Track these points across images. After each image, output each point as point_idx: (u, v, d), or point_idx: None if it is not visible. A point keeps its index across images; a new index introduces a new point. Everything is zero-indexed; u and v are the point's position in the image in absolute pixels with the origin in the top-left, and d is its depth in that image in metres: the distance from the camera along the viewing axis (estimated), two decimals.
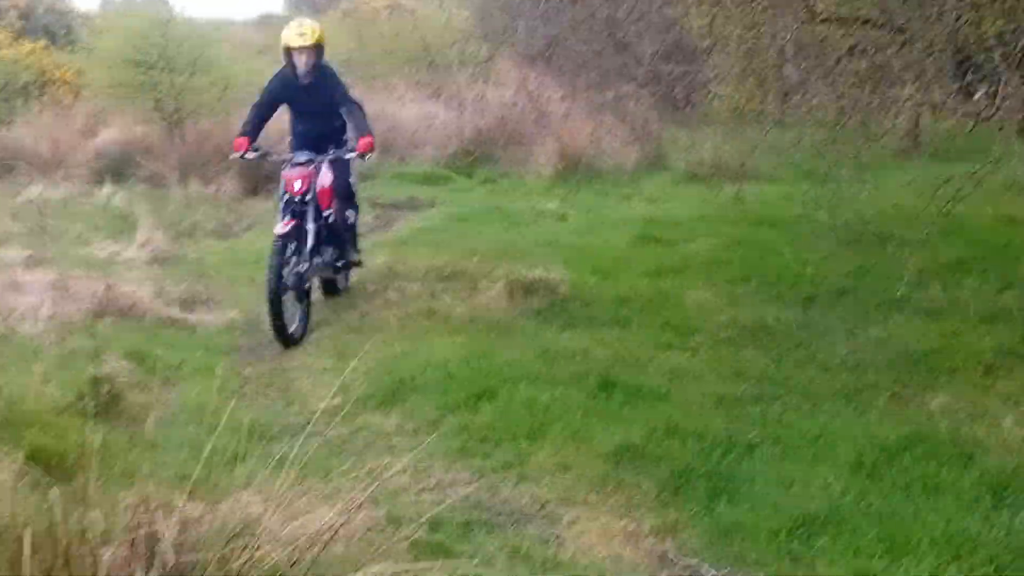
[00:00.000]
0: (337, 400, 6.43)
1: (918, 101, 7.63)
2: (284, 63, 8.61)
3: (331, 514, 4.12)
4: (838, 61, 8.00)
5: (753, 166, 12.27)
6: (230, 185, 14.84)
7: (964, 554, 4.68)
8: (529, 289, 8.74)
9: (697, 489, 5.54)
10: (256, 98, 8.76)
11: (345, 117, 8.63)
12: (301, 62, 8.40)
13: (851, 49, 7.98)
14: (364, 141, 8.24)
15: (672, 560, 5.00)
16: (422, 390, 6.74)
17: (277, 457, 4.19)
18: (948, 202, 7.59)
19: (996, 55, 7.42)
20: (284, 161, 8.49)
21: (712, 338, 7.91)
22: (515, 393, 6.59)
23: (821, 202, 9.31)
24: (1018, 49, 7.37)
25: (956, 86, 7.83)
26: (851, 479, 5.51)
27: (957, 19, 7.25)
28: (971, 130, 7.59)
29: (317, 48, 8.47)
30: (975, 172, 7.42)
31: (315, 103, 8.60)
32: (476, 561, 4.75)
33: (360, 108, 8.71)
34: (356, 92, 12.08)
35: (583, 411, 6.45)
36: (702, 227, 11.35)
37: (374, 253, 10.59)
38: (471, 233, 11.72)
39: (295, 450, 4.17)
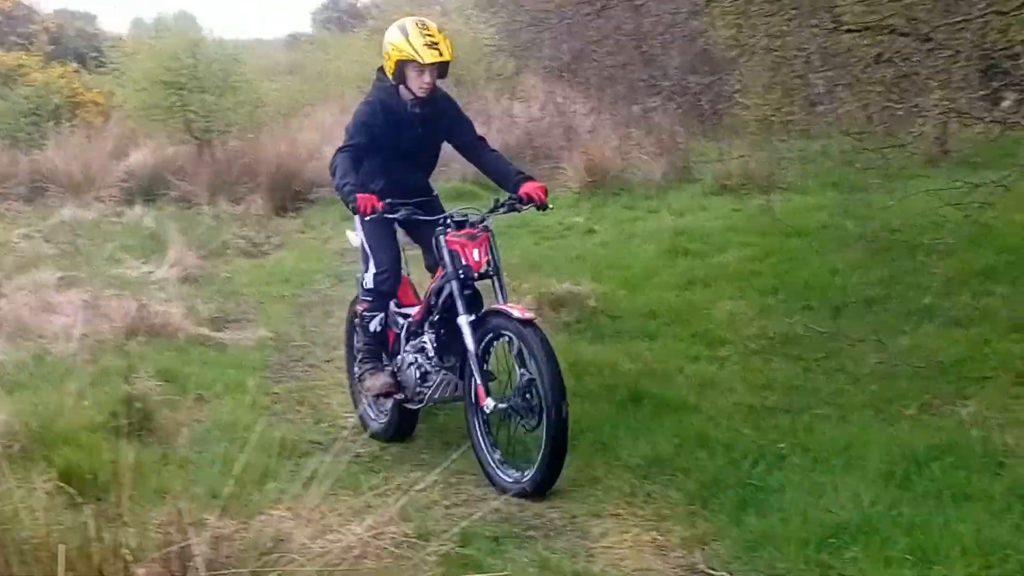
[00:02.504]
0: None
1: (944, 108, 7.60)
2: (381, 84, 6.28)
3: (361, 529, 4.17)
4: (864, 69, 8.00)
5: (781, 177, 12.34)
6: (259, 204, 15.02)
7: (995, 563, 4.65)
8: (558, 302, 8.78)
9: (726, 500, 5.53)
10: (347, 137, 6.25)
11: (476, 158, 6.52)
12: (423, 83, 6.07)
13: (877, 57, 7.97)
14: (539, 185, 6.18)
15: (702, 572, 5.00)
16: (452, 404, 6.73)
17: (307, 474, 4.23)
18: (977, 208, 7.58)
19: (1023, 61, 7.45)
20: (433, 221, 6.12)
21: (741, 349, 7.88)
22: None
23: (849, 211, 9.34)
24: None
25: (982, 93, 7.82)
26: (881, 489, 5.48)
27: (983, 26, 7.29)
28: (997, 137, 7.58)
29: (445, 65, 6.17)
30: (1003, 180, 7.42)
31: (425, 141, 6.40)
32: (506, 574, 4.79)
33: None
34: None
35: (612, 423, 6.49)
36: (731, 238, 11.31)
37: (405, 269, 10.69)
38: (500, 248, 11.59)
39: (325, 466, 4.23)
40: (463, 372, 6.08)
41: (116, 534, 3.61)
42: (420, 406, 6.39)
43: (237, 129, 17.41)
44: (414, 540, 4.81)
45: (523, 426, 5.78)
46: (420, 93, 6.11)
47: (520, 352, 5.76)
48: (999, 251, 9.51)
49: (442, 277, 6.04)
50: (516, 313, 5.71)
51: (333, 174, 6.09)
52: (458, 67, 19.85)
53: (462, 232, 5.97)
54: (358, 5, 39.45)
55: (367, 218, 5.94)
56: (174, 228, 13.02)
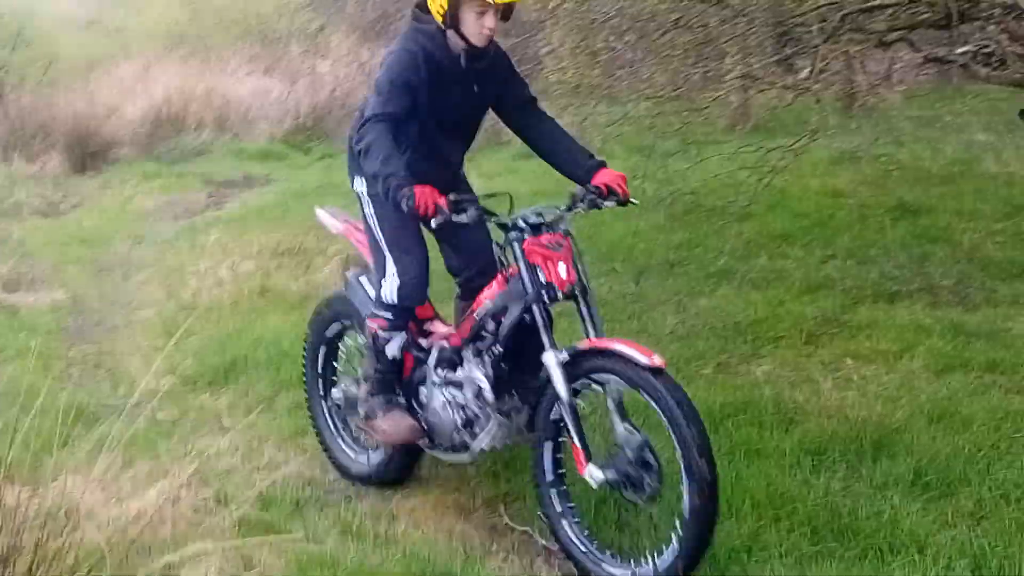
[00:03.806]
0: (167, 381, 6.40)
1: (739, 74, 7.83)
2: (422, 27, 4.74)
3: (155, 495, 4.11)
4: (664, 34, 8.16)
5: (588, 140, 12.38)
6: (55, 162, 14.49)
7: (784, 516, 4.79)
8: (365, 268, 8.67)
9: (526, 461, 5.52)
10: (378, 100, 4.59)
11: (531, 133, 5.09)
12: (485, 29, 4.59)
13: (676, 22, 8.14)
14: (618, 174, 4.86)
15: (504, 528, 5.07)
16: (255, 369, 6.69)
17: (101, 439, 4.11)
18: (769, 172, 7.82)
19: (814, 29, 7.72)
20: (502, 223, 4.72)
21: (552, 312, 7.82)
22: None
23: (650, 176, 9.49)
24: (835, 23, 7.70)
25: (776, 59, 8.09)
26: None
27: None
28: (789, 104, 7.82)
29: (511, 7, 4.67)
30: (793, 145, 7.65)
31: (473, 105, 4.97)
32: (302, 537, 4.76)
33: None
34: (193, 67, 11.49)
35: None
36: (539, 202, 11.16)
37: (207, 231, 10.50)
38: (307, 210, 11.47)
39: (121, 432, 4.12)
40: (533, 420, 4.74)
41: None
42: (455, 456, 5.12)
43: (32, 84, 16.75)
44: (212, 506, 4.79)
45: (629, 500, 4.54)
46: (479, 42, 4.66)
47: (621, 403, 4.52)
48: (795, 216, 9.75)
49: (505, 295, 4.72)
50: (640, 358, 4.29)
51: (364, 153, 4.56)
52: (261, 23, 19.68)
53: (543, 239, 4.61)
54: None
55: (432, 223, 4.45)
56: None
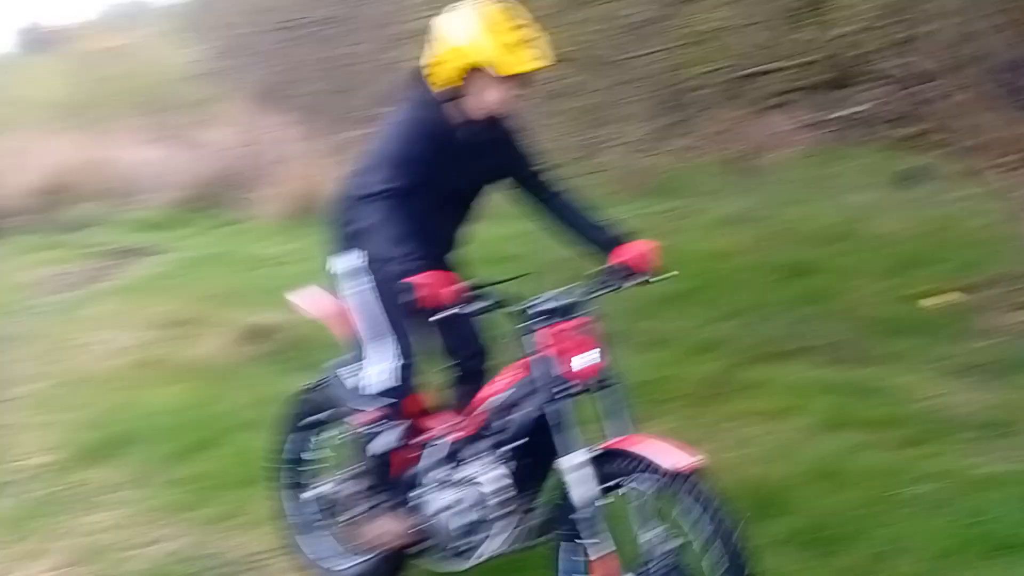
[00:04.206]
0: (47, 456, 6.30)
1: (624, 140, 7.99)
2: (422, 96, 4.29)
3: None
4: (551, 100, 8.30)
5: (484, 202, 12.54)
6: None
7: None
8: (255, 335, 8.64)
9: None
10: (382, 174, 4.12)
11: (544, 205, 4.57)
12: (502, 100, 4.19)
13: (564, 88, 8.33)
14: (648, 246, 4.43)
15: None
16: (138, 442, 6.55)
17: None
18: (662, 234, 7.93)
19: (699, 95, 7.93)
20: (523, 311, 4.14)
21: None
22: (235, 441, 6.47)
23: (543, 241, 9.55)
24: (721, 89, 7.92)
25: (663, 124, 8.29)
26: None
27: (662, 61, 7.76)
28: (670, 170, 8.00)
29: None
30: (678, 208, 7.79)
31: (476, 176, 4.51)
32: None
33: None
34: (86, 137, 11.28)
35: None
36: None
37: (95, 303, 10.35)
38: (198, 279, 11.53)
39: None
40: (548, 522, 4.26)
41: None
42: (451, 564, 4.55)
43: None
44: None
45: None
46: (484, 115, 4.25)
47: (645, 506, 4.00)
48: (682, 277, 9.70)
49: (524, 386, 4.21)
50: (678, 460, 3.81)
51: (368, 232, 4.13)
52: (156, 92, 19.59)
53: (564, 326, 4.07)
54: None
55: (433, 317, 3.96)
56: None
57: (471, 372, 4.67)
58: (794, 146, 12.80)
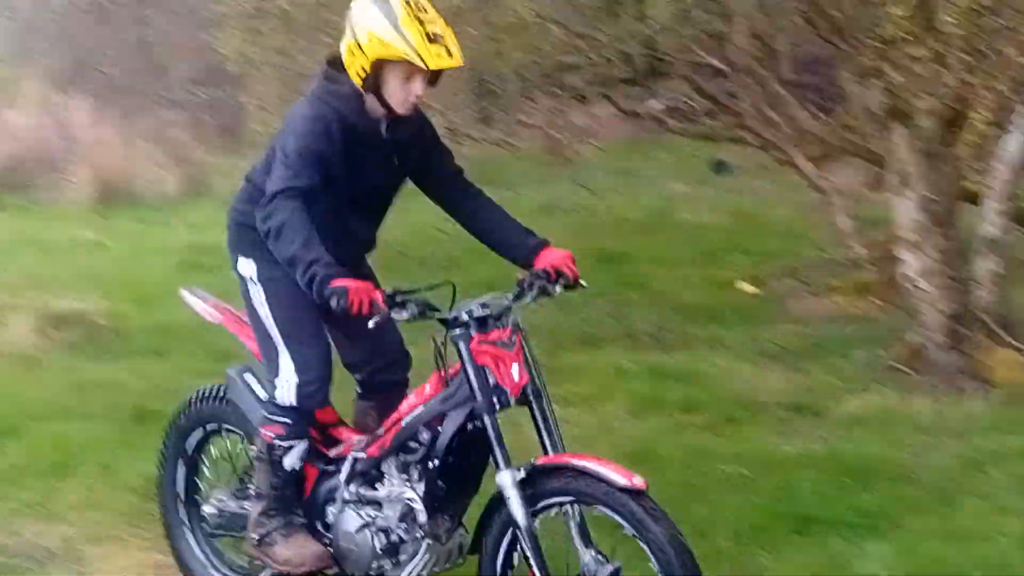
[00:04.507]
0: None
1: (439, 127, 8.13)
2: (335, 88, 4.12)
3: None
4: None
5: None
6: None
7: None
8: (62, 321, 8.48)
9: None
10: (286, 170, 3.95)
11: (458, 207, 4.45)
12: (412, 95, 4.01)
13: None
14: (565, 254, 4.28)
15: None
16: None
17: None
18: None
19: (512, 86, 8.09)
20: (445, 318, 4.04)
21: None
22: (43, 430, 6.40)
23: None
24: (534, 80, 8.08)
25: (477, 115, 8.45)
26: None
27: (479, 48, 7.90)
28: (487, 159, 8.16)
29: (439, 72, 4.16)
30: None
31: (391, 178, 4.37)
32: None
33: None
34: None
35: (115, 444, 6.33)
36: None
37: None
38: (1, 264, 11.29)
39: None
40: (474, 544, 4.16)
41: None
42: None
43: None
44: None
45: None
46: (403, 109, 4.06)
47: (584, 525, 4.00)
48: (498, 264, 9.90)
49: (443, 400, 4.09)
50: (618, 479, 3.76)
51: (273, 233, 3.91)
52: None
53: (491, 336, 3.98)
54: None
55: (371, 322, 3.80)
56: None
57: (387, 383, 4.51)
58: (611, 137, 13.18)
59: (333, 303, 3.67)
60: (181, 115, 12.19)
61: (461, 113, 8.43)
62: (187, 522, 4.86)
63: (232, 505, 4.69)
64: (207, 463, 4.90)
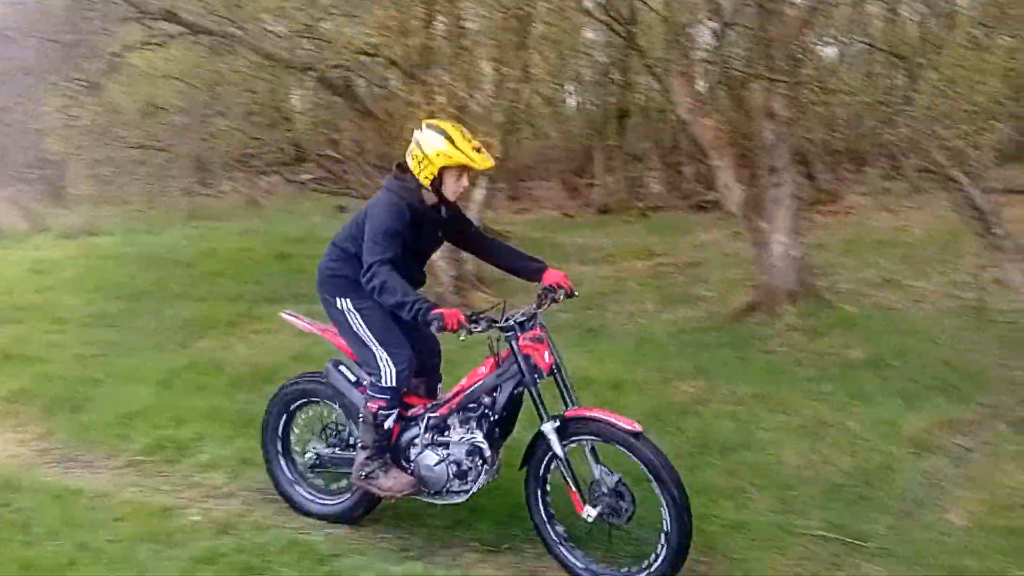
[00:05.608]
0: None
1: (185, 188, 10.88)
2: (404, 184, 5.16)
3: None
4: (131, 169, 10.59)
5: (99, 227, 15.85)
6: None
7: (217, 421, 6.51)
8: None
9: (65, 408, 6.98)
10: (376, 247, 5.09)
11: (486, 252, 5.60)
12: (461, 187, 5.15)
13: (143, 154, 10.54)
14: (561, 273, 5.30)
15: (52, 451, 6.32)
16: None
17: None
18: (199, 240, 11.33)
19: (222, 162, 10.76)
20: (503, 326, 5.05)
21: (78, 324, 9.96)
22: None
23: (133, 243, 12.62)
24: (232, 159, 10.62)
25: (198, 179, 11.08)
26: (157, 388, 7.34)
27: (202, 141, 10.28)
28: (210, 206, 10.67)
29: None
30: (208, 227, 11.36)
31: (433, 242, 5.43)
32: None
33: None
34: None
35: None
36: (70, 263, 13.91)
37: None
38: None
39: None
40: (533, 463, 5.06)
41: None
42: (448, 500, 5.23)
43: None
44: None
45: (613, 525, 4.92)
46: (453, 198, 5.06)
47: (595, 451, 4.87)
48: (220, 261, 13.37)
49: (498, 376, 5.05)
50: (624, 425, 4.73)
51: (379, 289, 4.81)
52: None
53: (529, 334, 4.94)
54: None
55: (462, 334, 4.74)
56: None
57: (429, 366, 5.34)
58: (280, 193, 16.60)
59: (434, 327, 4.57)
60: (26, 187, 16.19)
61: (188, 178, 11.04)
62: (280, 454, 5.76)
63: (325, 451, 5.55)
64: (300, 420, 5.74)
